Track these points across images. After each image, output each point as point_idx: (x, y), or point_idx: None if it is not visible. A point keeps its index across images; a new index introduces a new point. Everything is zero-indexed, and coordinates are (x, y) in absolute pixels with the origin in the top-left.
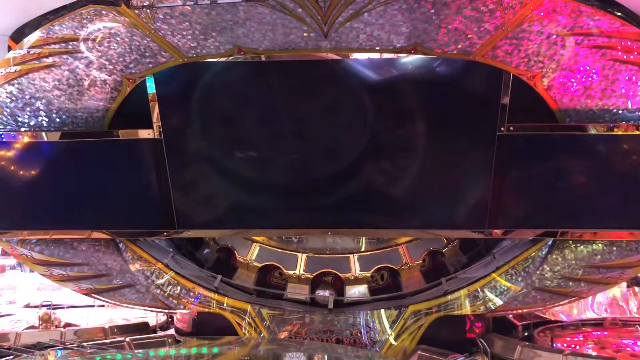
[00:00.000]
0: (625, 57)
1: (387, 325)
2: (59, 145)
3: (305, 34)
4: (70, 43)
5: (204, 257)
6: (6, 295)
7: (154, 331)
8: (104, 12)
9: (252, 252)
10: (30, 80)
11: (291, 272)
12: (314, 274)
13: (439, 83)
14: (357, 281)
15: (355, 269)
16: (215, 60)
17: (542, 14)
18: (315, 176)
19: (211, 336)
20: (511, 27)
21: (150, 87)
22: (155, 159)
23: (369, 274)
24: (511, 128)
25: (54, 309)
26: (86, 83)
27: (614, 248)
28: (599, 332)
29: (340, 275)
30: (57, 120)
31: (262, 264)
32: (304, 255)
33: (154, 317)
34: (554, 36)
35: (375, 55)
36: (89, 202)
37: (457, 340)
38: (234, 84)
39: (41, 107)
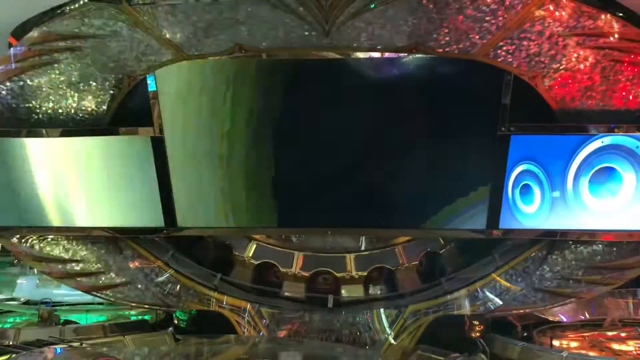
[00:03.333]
0: (626, 57)
1: (386, 324)
2: (59, 142)
3: (306, 33)
4: (71, 40)
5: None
6: None
7: (153, 329)
8: (105, 10)
9: (297, 262)
10: (31, 77)
11: (343, 274)
12: (367, 271)
13: (439, 82)
14: (408, 270)
15: (405, 260)
16: (216, 58)
17: (543, 14)
18: (315, 175)
19: (210, 334)
20: (513, 27)
21: (151, 84)
22: (156, 157)
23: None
24: (512, 128)
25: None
26: (87, 80)
27: (614, 249)
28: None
29: (392, 268)
30: (58, 117)
31: (311, 272)
32: (353, 255)
33: None
34: (556, 36)
35: (377, 54)
36: (89, 199)
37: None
38: (234, 82)
39: (42, 104)
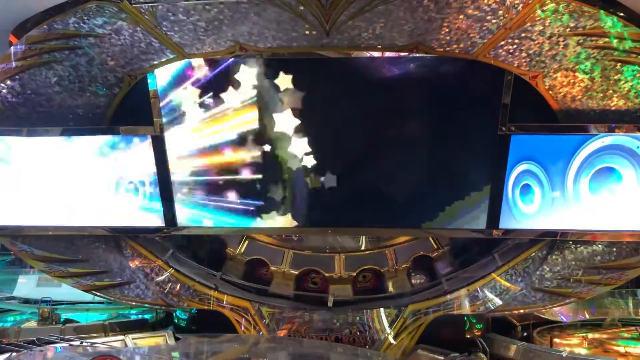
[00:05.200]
0: (626, 57)
1: (386, 324)
2: (59, 141)
3: (307, 32)
4: (72, 39)
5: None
6: None
7: (154, 328)
8: (106, 9)
9: (340, 263)
10: (31, 76)
11: (385, 268)
12: (410, 260)
13: (440, 82)
14: (444, 256)
15: (440, 245)
16: (217, 57)
17: (544, 14)
18: (316, 174)
19: (210, 333)
20: (513, 27)
21: (152, 83)
22: (156, 156)
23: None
24: (512, 128)
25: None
26: (87, 79)
27: (614, 249)
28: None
29: (431, 255)
30: (58, 116)
31: (357, 271)
32: (392, 249)
33: None
34: (556, 36)
35: (377, 54)
36: (89, 198)
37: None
38: (234, 81)
39: (42, 103)
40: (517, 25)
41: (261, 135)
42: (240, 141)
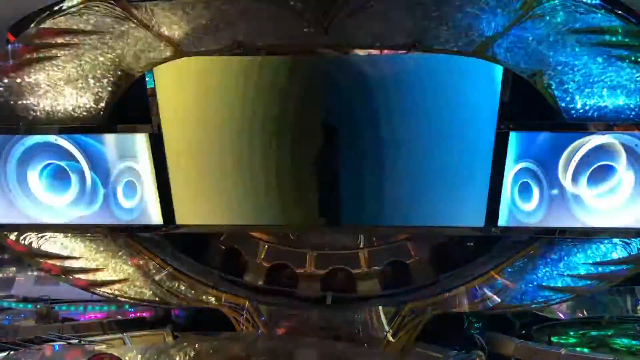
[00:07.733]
0: (626, 56)
1: (385, 322)
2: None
3: (305, 30)
4: (70, 37)
5: None
6: None
7: (152, 326)
8: (104, 6)
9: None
10: (28, 74)
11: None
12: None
13: (438, 79)
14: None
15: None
16: (215, 55)
17: (543, 11)
18: (315, 173)
19: (209, 332)
20: (512, 24)
21: (150, 82)
22: (155, 154)
23: None
24: (511, 126)
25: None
26: (84, 77)
27: (615, 246)
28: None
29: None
30: (56, 114)
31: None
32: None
33: None
34: (555, 34)
35: (376, 52)
36: (89, 195)
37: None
38: (233, 79)
39: (39, 101)
40: (516, 23)
41: (259, 133)
42: (240, 139)
